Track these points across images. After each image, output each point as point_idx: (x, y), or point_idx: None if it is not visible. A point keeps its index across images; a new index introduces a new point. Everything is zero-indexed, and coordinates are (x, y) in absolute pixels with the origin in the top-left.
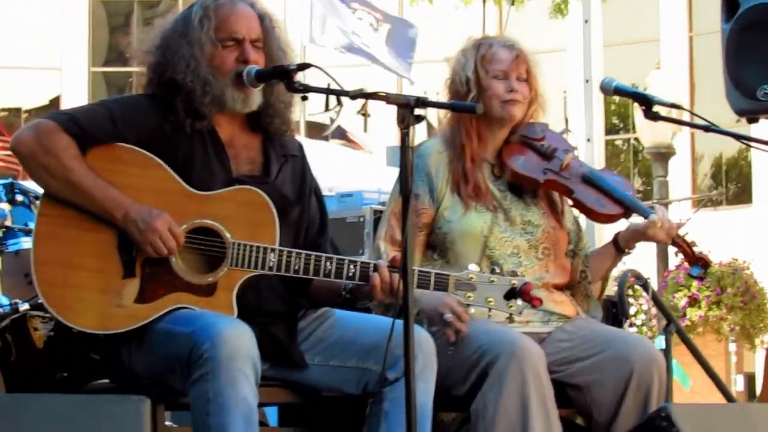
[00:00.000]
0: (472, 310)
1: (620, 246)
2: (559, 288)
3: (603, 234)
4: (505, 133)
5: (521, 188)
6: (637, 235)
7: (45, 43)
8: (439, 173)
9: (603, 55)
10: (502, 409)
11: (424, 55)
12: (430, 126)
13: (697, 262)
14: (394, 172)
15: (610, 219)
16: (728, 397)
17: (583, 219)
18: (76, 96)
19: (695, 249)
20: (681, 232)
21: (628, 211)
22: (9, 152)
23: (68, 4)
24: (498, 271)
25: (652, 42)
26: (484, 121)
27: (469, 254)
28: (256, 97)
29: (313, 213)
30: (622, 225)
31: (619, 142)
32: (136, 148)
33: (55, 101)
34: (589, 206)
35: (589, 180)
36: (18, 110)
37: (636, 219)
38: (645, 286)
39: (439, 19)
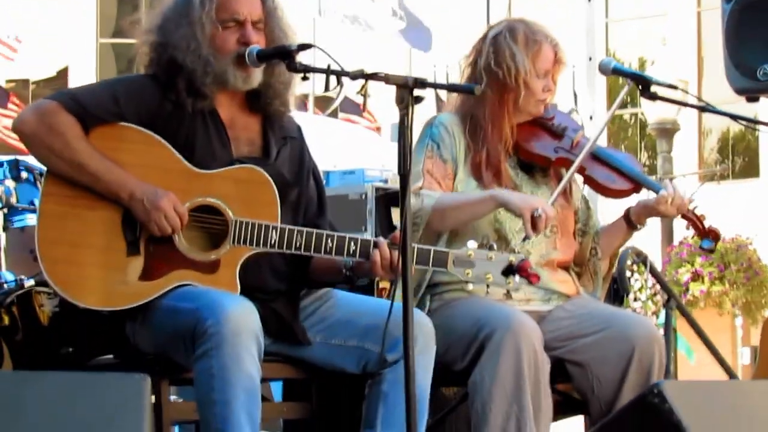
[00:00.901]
0: (471, 286)
1: (632, 222)
2: (564, 266)
3: (607, 213)
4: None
5: (532, 166)
6: (648, 210)
7: (53, 14)
8: (456, 143)
9: (609, 31)
10: (499, 382)
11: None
12: (439, 100)
13: (708, 235)
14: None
15: (621, 194)
16: (729, 373)
17: (592, 199)
18: (84, 67)
19: (705, 222)
20: (691, 206)
21: (638, 186)
22: None
23: None
24: (494, 248)
25: (659, 17)
26: (516, 112)
27: (479, 227)
28: (257, 76)
29: (311, 194)
30: (630, 201)
31: (626, 117)
32: (139, 127)
33: (63, 73)
34: (601, 182)
35: (599, 157)
36: (26, 81)
37: (644, 194)
38: (644, 262)
39: None
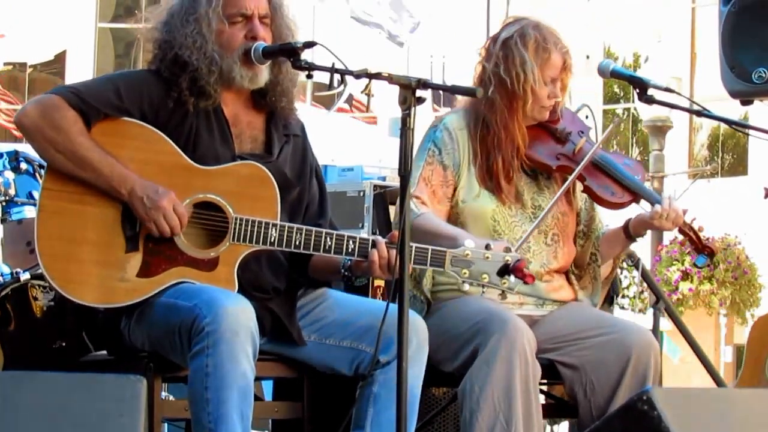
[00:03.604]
0: (467, 287)
1: (630, 233)
2: (561, 271)
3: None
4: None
5: (535, 170)
6: (645, 224)
7: None
8: (459, 149)
9: (604, 27)
10: (488, 392)
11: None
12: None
13: (704, 250)
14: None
15: (619, 206)
16: (716, 380)
17: None
18: (82, 52)
19: (702, 236)
20: (688, 219)
21: (637, 197)
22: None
23: None
24: (490, 248)
25: (653, 13)
26: (519, 118)
27: (478, 235)
28: (263, 74)
29: (313, 193)
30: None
31: (619, 112)
32: (141, 123)
33: (61, 56)
34: (599, 194)
35: (600, 166)
36: (23, 65)
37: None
38: (636, 265)
39: None
